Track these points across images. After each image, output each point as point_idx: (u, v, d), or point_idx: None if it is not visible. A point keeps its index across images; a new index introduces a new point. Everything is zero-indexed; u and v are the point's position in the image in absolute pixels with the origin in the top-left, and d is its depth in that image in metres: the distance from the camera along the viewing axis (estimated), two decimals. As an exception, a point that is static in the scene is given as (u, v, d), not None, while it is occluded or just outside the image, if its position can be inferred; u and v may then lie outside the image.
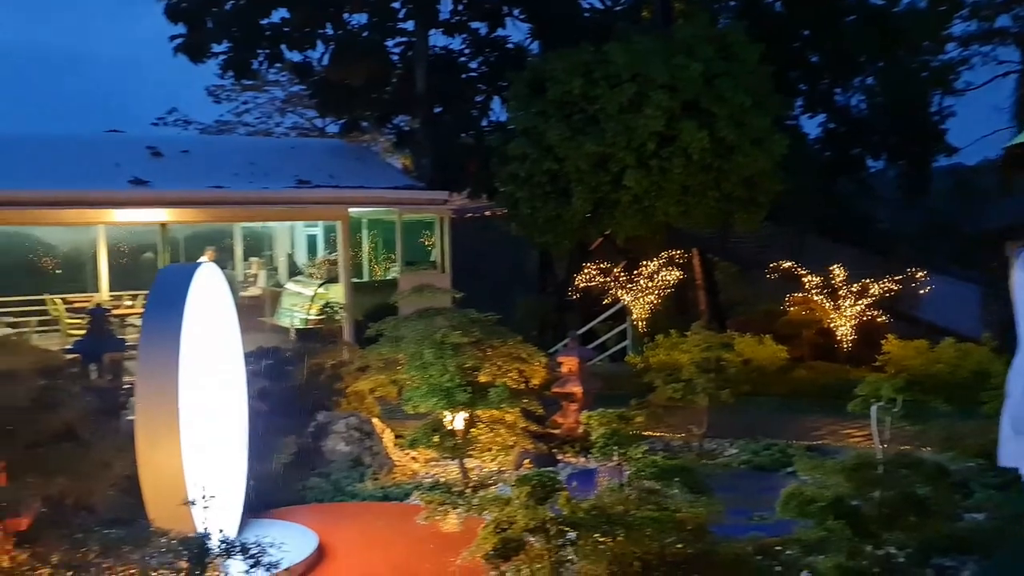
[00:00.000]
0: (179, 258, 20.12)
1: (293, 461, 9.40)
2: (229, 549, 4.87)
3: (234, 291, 20.13)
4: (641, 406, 11.10)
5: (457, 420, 10.34)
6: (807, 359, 15.36)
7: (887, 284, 15.83)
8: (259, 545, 4.96)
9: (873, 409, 8.84)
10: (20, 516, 5.71)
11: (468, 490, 7.48)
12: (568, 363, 11.59)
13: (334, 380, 10.96)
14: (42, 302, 18.72)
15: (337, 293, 19.34)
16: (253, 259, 22.29)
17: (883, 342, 14.21)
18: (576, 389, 11.43)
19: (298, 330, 19.07)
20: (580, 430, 11.41)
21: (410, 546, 7.45)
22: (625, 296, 15.59)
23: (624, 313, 18.86)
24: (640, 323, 15.74)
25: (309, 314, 19.20)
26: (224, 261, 21.52)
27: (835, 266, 16.12)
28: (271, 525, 7.68)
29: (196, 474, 6.52)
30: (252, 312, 20.32)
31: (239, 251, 23.10)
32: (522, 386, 10.49)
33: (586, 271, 15.84)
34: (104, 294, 21.06)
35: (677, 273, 15.46)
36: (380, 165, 21.06)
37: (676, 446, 11.42)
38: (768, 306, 17.39)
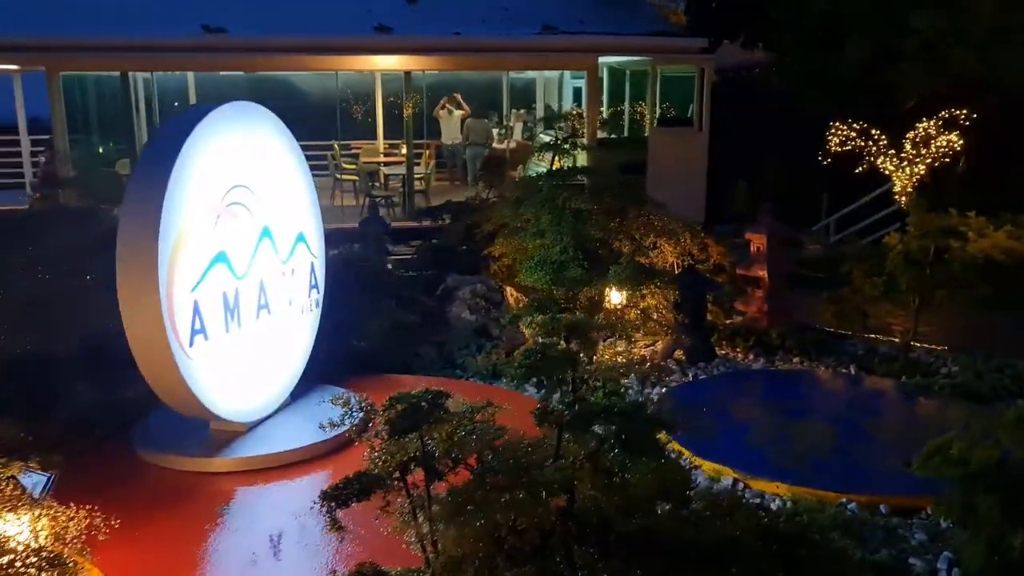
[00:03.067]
0: (422, 107, 19.91)
1: (416, 325, 8.72)
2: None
3: (485, 144, 19.88)
4: (833, 300, 9.13)
5: (613, 296, 9.08)
6: None
7: None
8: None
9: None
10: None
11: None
12: (756, 240, 9.68)
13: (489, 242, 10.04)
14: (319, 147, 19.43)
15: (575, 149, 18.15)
16: (514, 111, 21.59)
17: None
18: (762, 272, 9.55)
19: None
20: (764, 322, 9.61)
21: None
22: (888, 165, 12.80)
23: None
24: (903, 198, 12.93)
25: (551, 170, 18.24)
26: (487, 112, 21.11)
27: None
28: (324, 391, 7.09)
29: (214, 340, 6.03)
30: (506, 166, 19.82)
31: (505, 101, 22.52)
32: (682, 264, 8.89)
33: (838, 131, 13.18)
34: (380, 143, 21.68)
35: (952, 138, 12.30)
36: (641, 10, 19.09)
37: (883, 352, 9.19)
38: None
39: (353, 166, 18.40)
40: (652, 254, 8.65)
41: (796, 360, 9.12)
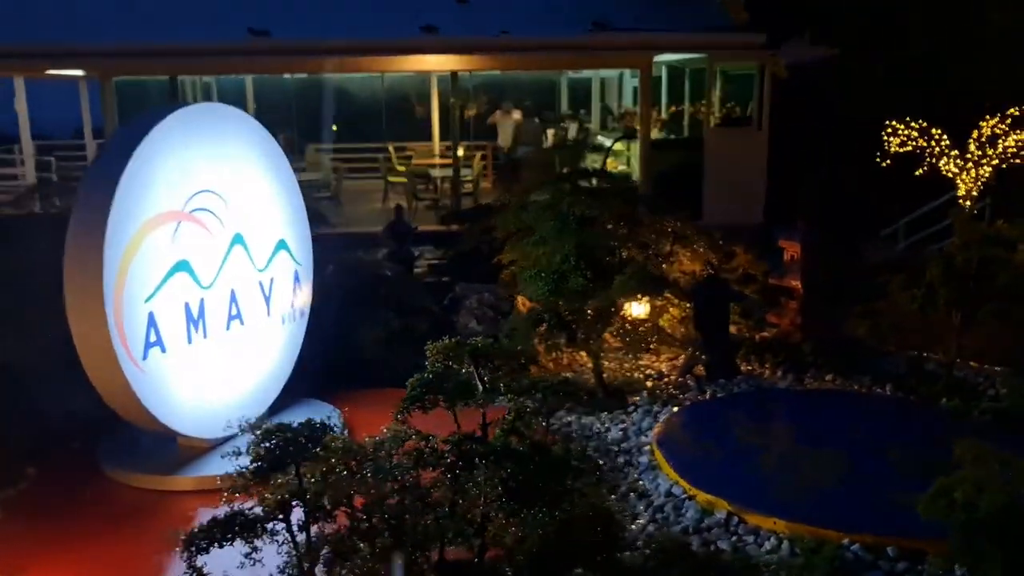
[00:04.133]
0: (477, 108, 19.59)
1: (422, 335, 8.35)
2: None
3: (537, 145, 19.42)
4: (867, 314, 8.42)
5: (635, 308, 8.57)
6: None
7: None
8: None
9: None
10: None
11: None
12: (790, 248, 9.03)
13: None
14: (372, 150, 19.28)
15: (634, 149, 17.60)
16: (569, 112, 21.11)
17: None
18: (795, 282, 8.89)
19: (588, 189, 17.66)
20: (798, 336, 8.96)
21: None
22: (951, 167, 11.85)
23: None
24: (967, 202, 11.96)
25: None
26: (543, 112, 20.70)
27: None
28: (307, 406, 6.79)
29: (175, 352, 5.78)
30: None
31: (564, 102, 22.09)
32: (704, 273, 8.31)
33: (897, 130, 12.27)
34: (436, 145, 21.47)
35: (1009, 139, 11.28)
36: (702, 5, 18.35)
37: (927, 370, 8.41)
38: None
39: (403, 168, 18.20)
40: (671, 263, 8.09)
41: (828, 378, 8.43)
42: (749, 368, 8.64)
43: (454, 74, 16.91)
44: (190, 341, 5.87)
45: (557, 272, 7.27)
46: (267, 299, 6.62)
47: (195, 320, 5.88)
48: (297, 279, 6.98)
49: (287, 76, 20.60)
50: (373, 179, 19.01)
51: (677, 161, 17.74)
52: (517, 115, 20.29)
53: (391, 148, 19.73)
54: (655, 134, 20.34)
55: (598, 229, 7.50)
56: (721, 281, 8.36)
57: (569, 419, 7.42)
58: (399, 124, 21.05)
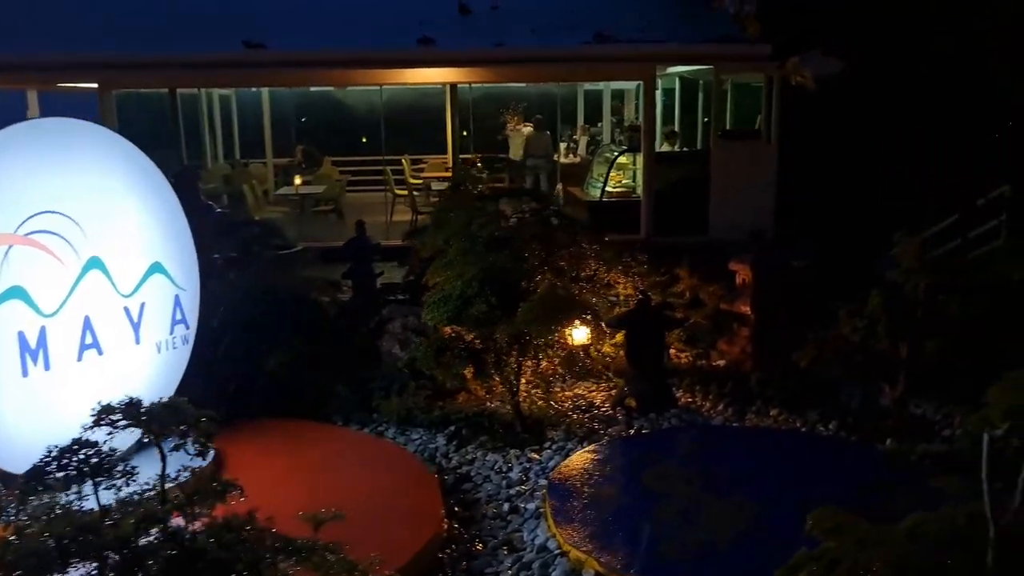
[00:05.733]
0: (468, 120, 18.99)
1: (339, 361, 7.81)
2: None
3: (546, 157, 18.74)
4: (817, 345, 7.59)
5: (577, 333, 7.91)
6: None
7: None
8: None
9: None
10: None
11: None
12: (741, 271, 8.24)
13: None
14: (387, 162, 18.85)
15: (635, 163, 16.82)
16: (580, 124, 20.42)
17: None
18: (745, 308, 8.09)
19: (591, 203, 16.97)
20: (748, 365, 8.16)
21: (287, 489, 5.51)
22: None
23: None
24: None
25: (605, 185, 16.97)
26: (553, 125, 20.06)
27: None
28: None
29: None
30: (569, 183, 18.70)
31: (580, 113, 21.45)
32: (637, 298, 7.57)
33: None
34: (450, 157, 20.94)
35: None
36: (710, 16, 17.48)
37: (885, 405, 7.53)
38: None
39: (415, 180, 17.81)
40: (598, 288, 7.38)
41: (773, 412, 7.62)
42: (690, 400, 7.87)
43: (453, 86, 16.37)
44: (25, 374, 5.38)
45: (461, 297, 6.63)
46: (135, 326, 6.12)
47: (33, 351, 5.40)
48: (179, 304, 6.47)
49: (310, 89, 20.32)
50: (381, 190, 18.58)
51: (684, 175, 16.92)
52: (528, 127, 19.69)
53: (405, 160, 19.29)
54: (666, 147, 19.51)
55: (514, 252, 6.83)
56: (653, 307, 7.61)
57: (474, 455, 6.77)
58: (419, 136, 20.58)
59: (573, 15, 17.19)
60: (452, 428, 7.24)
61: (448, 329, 7.99)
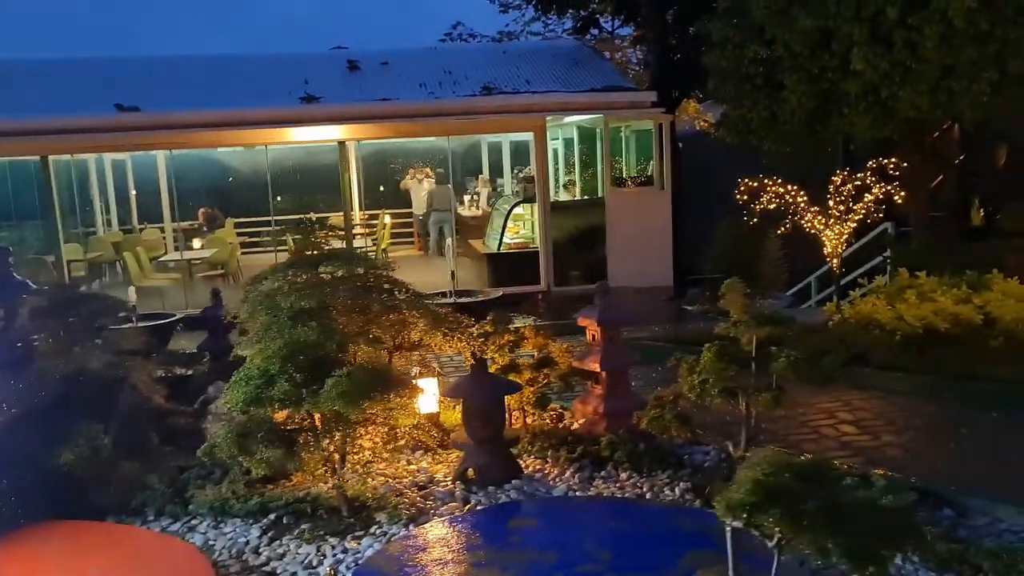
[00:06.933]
0: (359, 176, 18.59)
1: (153, 447, 7.10)
2: None
3: (449, 210, 18.30)
4: (657, 403, 7.13)
5: (424, 403, 7.33)
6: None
7: None
8: None
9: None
10: None
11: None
12: (589, 327, 7.76)
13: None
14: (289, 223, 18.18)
15: (532, 214, 16.48)
16: (480, 176, 20.10)
17: None
18: (594, 365, 7.58)
19: (490, 256, 16.57)
20: (602, 425, 7.64)
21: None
22: (815, 222, 10.58)
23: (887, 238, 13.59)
24: (834, 260, 10.67)
25: (502, 238, 16.59)
26: (456, 178, 19.69)
27: None
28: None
29: None
30: (472, 235, 18.31)
31: (485, 166, 21.15)
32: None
33: (768, 186, 11.03)
34: (356, 213, 20.42)
35: (872, 192, 9.95)
36: (593, 66, 17.37)
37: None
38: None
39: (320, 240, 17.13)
40: (424, 355, 6.82)
41: (624, 476, 7.07)
42: (539, 467, 7.29)
43: (342, 144, 15.95)
44: None
45: (263, 375, 6.00)
46: None
47: None
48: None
49: (217, 150, 19.68)
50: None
51: (582, 224, 16.66)
52: (430, 181, 19.32)
53: (311, 218, 18.59)
54: (565, 196, 19.27)
55: (323, 323, 6.23)
56: (488, 372, 7.07)
57: (287, 548, 6.09)
58: (318, 194, 20.05)
59: (464, 69, 16.96)
60: (272, 517, 6.55)
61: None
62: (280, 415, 6.33)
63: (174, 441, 7.22)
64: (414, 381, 6.50)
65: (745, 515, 3.30)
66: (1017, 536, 5.42)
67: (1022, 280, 9.56)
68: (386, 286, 6.72)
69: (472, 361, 6.88)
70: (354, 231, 18.03)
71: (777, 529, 3.29)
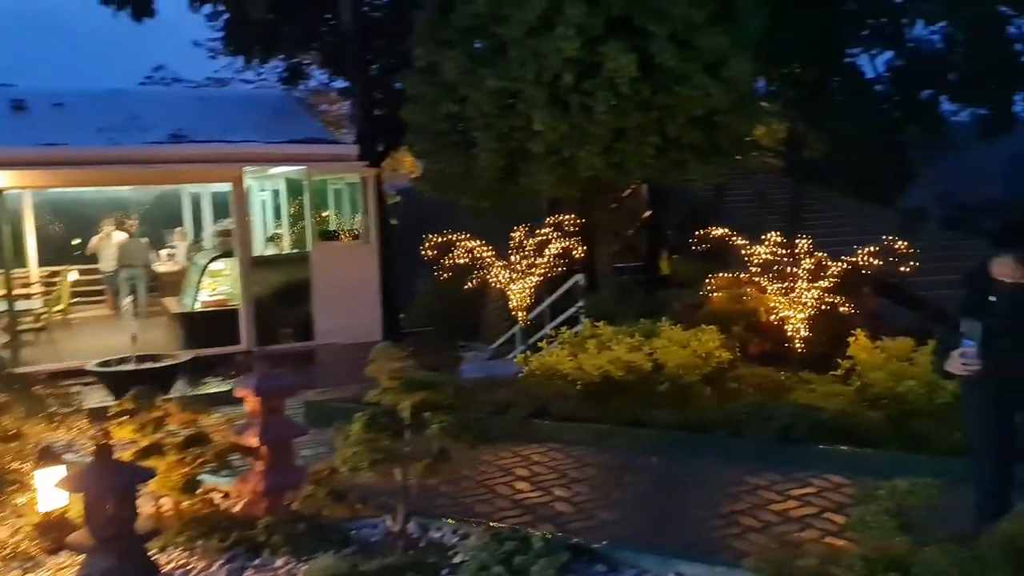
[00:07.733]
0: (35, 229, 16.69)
1: None
2: None
3: (143, 266, 16.70)
4: (314, 479, 6.53)
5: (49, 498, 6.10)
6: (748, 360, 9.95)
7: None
8: None
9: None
10: None
11: None
12: (248, 400, 7.00)
13: None
14: None
15: (232, 269, 15.35)
16: (178, 229, 18.67)
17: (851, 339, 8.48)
18: (253, 440, 6.83)
19: (184, 315, 15.20)
20: (263, 505, 6.85)
21: None
22: (501, 276, 10.66)
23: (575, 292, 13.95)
24: (519, 313, 10.80)
25: (197, 295, 15.31)
26: (145, 230, 18.09)
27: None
28: None
29: None
30: (171, 292, 16.78)
31: (187, 217, 19.65)
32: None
33: (458, 242, 10.98)
34: (32, 270, 18.09)
35: (551, 248, 10.31)
36: (297, 117, 16.80)
37: (413, 536, 6.52)
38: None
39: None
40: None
41: (281, 562, 6.36)
42: (184, 561, 6.39)
43: (1, 192, 14.01)
44: None
45: None
46: None
47: None
48: None
49: None
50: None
51: (287, 279, 15.79)
52: (120, 235, 17.53)
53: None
54: (271, 250, 18.37)
55: None
56: (112, 459, 6.13)
57: None
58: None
59: (152, 115, 15.67)
60: None
61: None
62: None
63: None
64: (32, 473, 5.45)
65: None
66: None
67: (687, 326, 10.05)
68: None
69: (94, 447, 5.91)
70: (27, 291, 15.98)
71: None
